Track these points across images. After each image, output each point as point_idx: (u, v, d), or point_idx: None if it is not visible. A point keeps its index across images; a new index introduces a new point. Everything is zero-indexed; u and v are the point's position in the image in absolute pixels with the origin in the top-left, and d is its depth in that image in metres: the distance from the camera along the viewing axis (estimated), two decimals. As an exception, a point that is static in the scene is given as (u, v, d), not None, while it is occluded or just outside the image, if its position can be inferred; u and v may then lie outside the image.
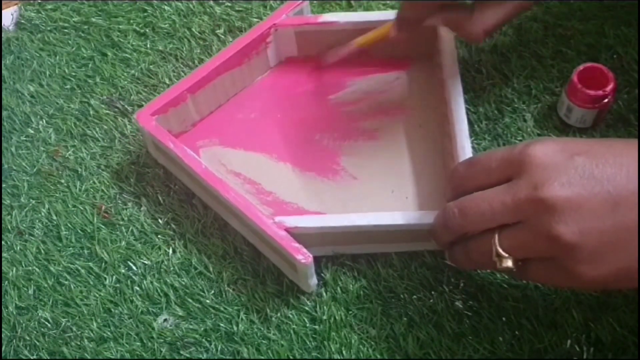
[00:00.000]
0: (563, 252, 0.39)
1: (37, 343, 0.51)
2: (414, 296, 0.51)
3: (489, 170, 0.42)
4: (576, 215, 0.38)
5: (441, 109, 0.57)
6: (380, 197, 0.55)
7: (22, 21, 0.69)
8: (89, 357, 0.51)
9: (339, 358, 0.49)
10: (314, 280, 0.50)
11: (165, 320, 0.52)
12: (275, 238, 0.48)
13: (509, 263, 0.41)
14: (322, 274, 0.52)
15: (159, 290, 0.53)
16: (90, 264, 0.55)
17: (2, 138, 0.61)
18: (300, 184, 0.56)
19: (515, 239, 0.41)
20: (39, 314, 0.52)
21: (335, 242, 0.51)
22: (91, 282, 0.54)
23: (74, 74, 0.65)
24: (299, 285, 0.51)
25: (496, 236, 0.41)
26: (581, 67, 0.55)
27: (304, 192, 0.56)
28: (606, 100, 0.54)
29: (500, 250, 0.41)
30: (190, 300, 0.52)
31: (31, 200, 0.58)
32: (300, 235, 0.49)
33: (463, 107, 0.53)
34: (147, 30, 0.67)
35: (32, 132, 0.62)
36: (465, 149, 0.51)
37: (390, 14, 0.56)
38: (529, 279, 0.43)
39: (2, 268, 0.55)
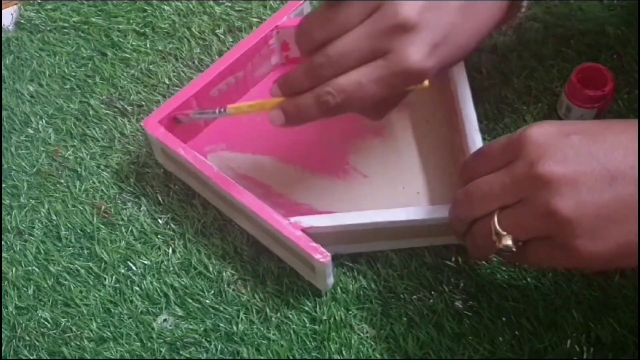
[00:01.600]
0: (561, 227, 0.39)
1: (37, 343, 0.51)
2: (414, 296, 0.51)
3: (492, 158, 0.43)
4: (572, 190, 0.38)
5: (447, 103, 0.57)
6: (391, 194, 0.55)
7: (22, 21, 0.69)
8: (88, 357, 0.51)
9: (339, 358, 0.49)
10: (331, 280, 0.50)
11: (165, 320, 0.52)
12: (292, 239, 0.48)
13: (508, 241, 0.41)
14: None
15: (158, 290, 0.53)
16: (90, 264, 0.54)
17: (2, 138, 0.61)
18: (311, 185, 0.56)
19: (514, 217, 0.41)
20: (39, 314, 0.52)
21: (351, 240, 0.51)
22: (91, 282, 0.54)
23: (73, 74, 0.65)
24: (316, 285, 0.51)
25: (495, 215, 0.42)
26: (580, 67, 0.55)
27: (315, 192, 0.56)
28: (605, 100, 0.54)
29: (499, 228, 0.41)
30: (190, 300, 0.52)
31: (31, 200, 0.58)
32: (316, 235, 0.49)
33: (471, 101, 0.53)
34: (146, 30, 0.67)
35: (31, 132, 0.62)
36: (475, 142, 0.51)
37: None
38: (529, 262, 0.44)
39: (2, 268, 0.55)
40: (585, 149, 0.39)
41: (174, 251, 0.54)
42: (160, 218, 0.56)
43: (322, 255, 0.48)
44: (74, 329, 0.52)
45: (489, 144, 0.45)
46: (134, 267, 0.54)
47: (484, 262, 0.52)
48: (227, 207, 0.54)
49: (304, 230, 0.49)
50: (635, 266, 0.40)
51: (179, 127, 0.56)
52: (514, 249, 0.42)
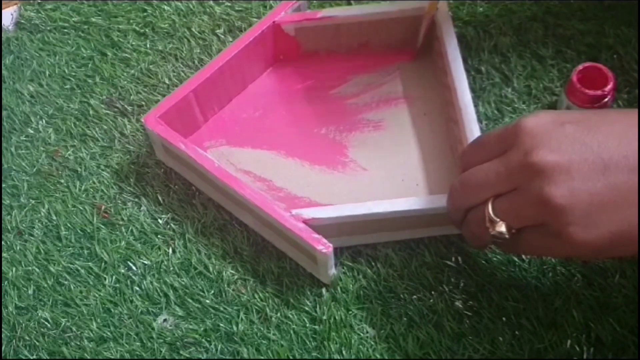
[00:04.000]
0: (554, 215, 0.39)
1: (37, 343, 0.51)
2: (414, 296, 0.51)
3: (489, 147, 0.44)
4: (566, 178, 0.38)
5: (445, 96, 0.58)
6: (391, 186, 0.56)
7: (22, 21, 0.69)
8: (88, 357, 0.51)
9: (339, 358, 0.49)
10: (333, 271, 0.51)
11: (165, 320, 0.52)
12: (294, 231, 0.49)
13: (501, 228, 0.42)
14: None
15: (158, 290, 0.53)
16: (90, 264, 0.55)
17: (2, 138, 0.61)
18: (311, 178, 0.57)
19: (508, 204, 0.41)
20: (39, 314, 0.52)
21: (352, 232, 0.51)
22: (91, 282, 0.54)
23: (73, 74, 0.65)
24: (318, 277, 0.51)
25: (489, 202, 0.42)
26: (581, 67, 0.55)
27: (315, 185, 0.56)
28: (605, 100, 0.54)
29: (492, 215, 0.42)
30: (190, 300, 0.52)
31: (31, 200, 0.58)
32: (318, 227, 0.49)
33: (468, 92, 0.53)
34: (146, 30, 0.67)
35: (31, 132, 0.62)
36: (473, 132, 0.51)
37: (390, 5, 0.58)
38: (523, 250, 0.44)
39: (2, 268, 0.55)
40: (580, 138, 0.39)
41: (174, 251, 0.54)
42: (160, 218, 0.56)
43: (324, 246, 0.48)
44: (74, 329, 0.52)
45: (486, 133, 0.45)
46: (134, 267, 0.54)
47: (484, 262, 0.52)
48: (229, 202, 0.54)
49: (305, 222, 0.49)
50: (628, 255, 0.40)
51: (179, 121, 0.57)
52: (507, 236, 0.42)
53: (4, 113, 0.63)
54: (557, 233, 0.39)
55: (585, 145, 0.39)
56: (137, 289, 0.53)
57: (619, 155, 0.38)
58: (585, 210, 0.38)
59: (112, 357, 0.50)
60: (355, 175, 0.57)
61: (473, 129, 0.51)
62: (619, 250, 0.40)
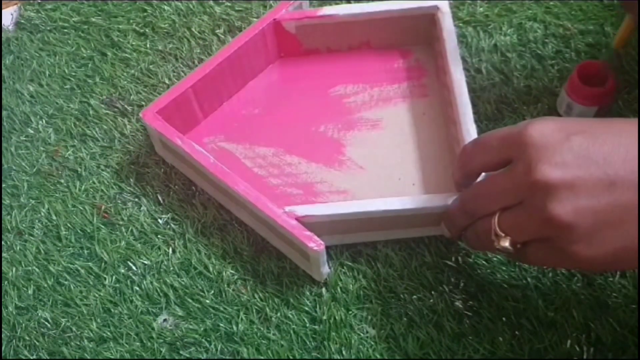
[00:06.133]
0: (558, 232, 0.39)
1: (37, 343, 0.51)
2: (414, 296, 0.51)
3: (490, 149, 0.43)
4: (571, 195, 0.38)
5: (444, 96, 0.58)
6: (387, 185, 0.56)
7: (22, 21, 0.69)
8: (88, 357, 0.51)
9: (339, 358, 0.49)
10: (325, 269, 0.51)
11: (165, 320, 0.52)
12: (286, 227, 0.49)
13: (506, 243, 0.42)
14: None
15: (158, 290, 0.53)
16: (90, 264, 0.54)
17: (2, 138, 0.61)
18: (307, 176, 0.57)
19: (513, 219, 0.41)
20: (39, 314, 0.52)
21: (346, 230, 0.51)
22: (91, 282, 0.54)
23: (73, 74, 0.65)
24: (312, 275, 0.52)
25: (496, 216, 0.42)
26: (582, 64, 0.55)
27: (312, 183, 0.56)
28: (606, 97, 0.54)
29: (498, 230, 0.42)
30: (190, 300, 0.52)
31: (31, 200, 0.58)
32: (311, 224, 0.49)
33: (466, 92, 0.53)
34: (146, 30, 0.67)
35: (31, 132, 0.62)
36: (470, 132, 0.51)
37: (391, 4, 0.59)
38: (529, 262, 0.44)
39: (2, 268, 0.55)
40: (585, 152, 0.38)
41: (174, 251, 0.54)
42: (160, 218, 0.56)
43: (315, 244, 0.48)
44: (74, 329, 0.52)
45: (488, 133, 0.44)
46: (134, 267, 0.54)
47: (484, 262, 0.52)
48: (225, 198, 0.55)
49: (298, 219, 0.49)
50: (632, 269, 0.40)
51: (178, 117, 0.57)
52: (511, 251, 0.42)
53: (4, 113, 0.63)
54: (562, 249, 0.39)
55: (590, 159, 0.38)
56: (137, 289, 0.53)
57: (625, 171, 0.38)
58: (589, 227, 0.38)
59: (112, 357, 0.50)
60: (351, 173, 0.57)
61: (470, 130, 0.51)
62: (623, 265, 0.40)
